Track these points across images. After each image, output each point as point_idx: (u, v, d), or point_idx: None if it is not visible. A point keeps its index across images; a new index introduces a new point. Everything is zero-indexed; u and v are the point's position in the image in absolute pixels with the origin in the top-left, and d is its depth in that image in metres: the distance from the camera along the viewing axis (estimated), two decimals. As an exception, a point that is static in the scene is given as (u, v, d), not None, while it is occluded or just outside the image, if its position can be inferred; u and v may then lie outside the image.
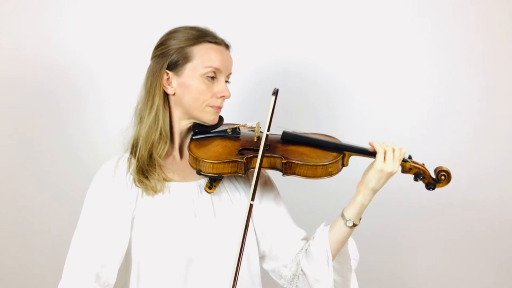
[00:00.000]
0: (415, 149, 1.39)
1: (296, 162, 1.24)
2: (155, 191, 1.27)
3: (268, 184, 1.42)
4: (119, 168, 1.31)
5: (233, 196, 1.34)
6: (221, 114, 1.37)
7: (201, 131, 1.35)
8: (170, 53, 1.29)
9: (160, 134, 1.30)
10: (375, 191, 1.25)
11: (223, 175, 1.26)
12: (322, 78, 1.96)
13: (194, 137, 1.35)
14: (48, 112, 1.98)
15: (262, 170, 1.34)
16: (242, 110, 1.74)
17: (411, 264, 2.03)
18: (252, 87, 1.92)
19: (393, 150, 1.23)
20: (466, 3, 1.93)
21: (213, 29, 1.37)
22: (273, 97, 1.23)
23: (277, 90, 1.25)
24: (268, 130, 1.23)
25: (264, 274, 1.38)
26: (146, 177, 1.27)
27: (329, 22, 1.96)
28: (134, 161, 1.31)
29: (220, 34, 1.37)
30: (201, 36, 1.31)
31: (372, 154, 1.26)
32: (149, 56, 1.37)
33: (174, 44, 1.30)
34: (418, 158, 1.32)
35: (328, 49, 1.96)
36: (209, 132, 1.35)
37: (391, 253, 2.01)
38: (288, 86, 1.90)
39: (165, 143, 1.31)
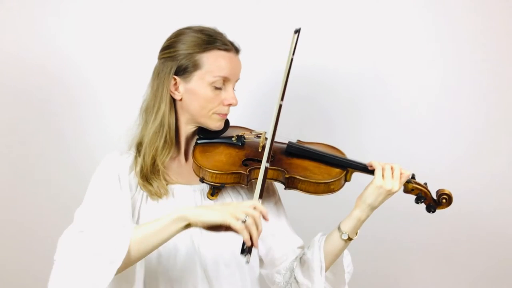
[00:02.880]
0: (416, 151, 1.36)
1: (298, 177, 1.25)
2: (159, 196, 1.27)
3: (269, 189, 1.43)
4: (123, 164, 1.29)
5: (236, 201, 1.34)
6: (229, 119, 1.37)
7: (206, 136, 1.35)
8: (179, 58, 1.27)
9: (165, 140, 1.29)
10: (372, 207, 1.25)
11: (225, 185, 1.27)
12: (332, 83, 1.95)
13: (198, 142, 1.35)
14: (43, 116, 1.94)
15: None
16: (252, 119, 1.71)
17: (408, 270, 2.04)
18: (264, 94, 1.90)
19: (392, 168, 1.25)
20: (470, 4, 1.89)
21: (222, 30, 1.34)
22: (295, 36, 1.21)
23: (299, 29, 1.21)
24: (287, 80, 1.22)
25: (262, 279, 1.40)
26: (150, 183, 1.27)
27: (338, 27, 1.94)
28: (140, 160, 1.29)
29: (230, 37, 1.33)
30: (211, 42, 1.28)
31: (374, 172, 1.28)
32: (145, 58, 1.35)
33: (182, 48, 1.27)
34: (420, 166, 1.33)
35: (337, 53, 1.95)
36: (214, 138, 1.35)
37: (388, 259, 2.03)
38: (300, 93, 1.89)
39: (170, 149, 1.30)
